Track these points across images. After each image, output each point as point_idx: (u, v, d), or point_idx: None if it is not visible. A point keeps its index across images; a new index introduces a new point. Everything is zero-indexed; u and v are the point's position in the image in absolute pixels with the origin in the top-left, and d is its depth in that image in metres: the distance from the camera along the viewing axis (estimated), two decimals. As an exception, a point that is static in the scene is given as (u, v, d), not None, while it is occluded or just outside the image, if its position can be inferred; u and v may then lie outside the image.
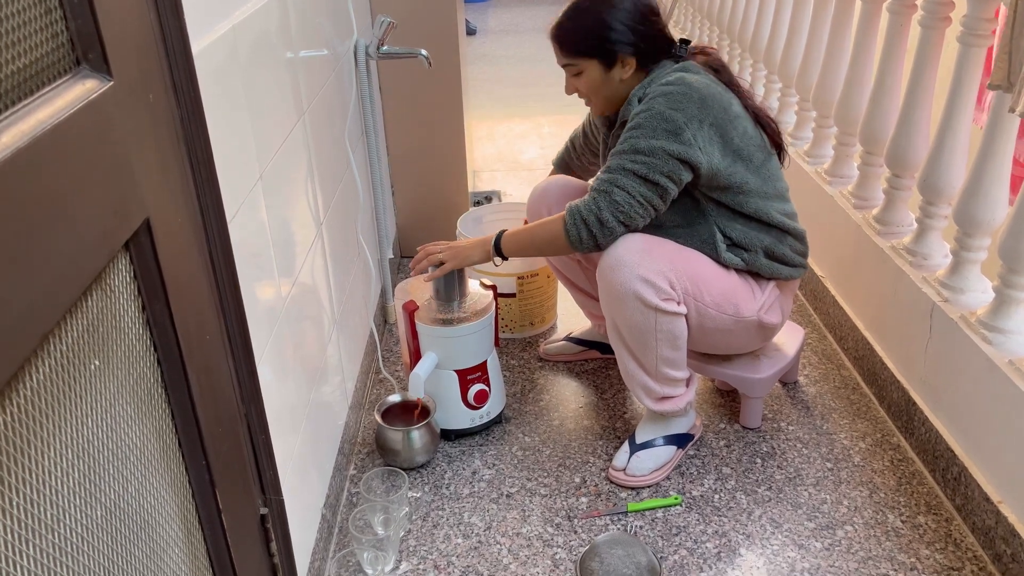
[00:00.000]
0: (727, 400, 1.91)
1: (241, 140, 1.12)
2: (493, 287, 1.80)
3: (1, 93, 0.61)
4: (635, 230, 1.54)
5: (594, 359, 2.08)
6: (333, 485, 1.58)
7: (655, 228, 1.58)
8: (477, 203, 3.05)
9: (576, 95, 1.67)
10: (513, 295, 2.12)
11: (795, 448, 1.75)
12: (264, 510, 1.17)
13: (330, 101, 1.70)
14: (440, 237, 2.60)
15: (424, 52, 2.03)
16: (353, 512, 1.49)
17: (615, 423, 1.85)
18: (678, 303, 1.52)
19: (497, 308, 1.82)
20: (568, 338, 2.09)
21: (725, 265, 1.60)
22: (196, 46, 0.95)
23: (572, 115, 4.34)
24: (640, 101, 1.56)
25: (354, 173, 1.84)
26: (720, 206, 1.58)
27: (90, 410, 0.71)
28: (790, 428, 1.81)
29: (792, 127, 2.57)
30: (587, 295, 1.99)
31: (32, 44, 0.66)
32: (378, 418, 1.70)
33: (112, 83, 0.75)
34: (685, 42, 1.62)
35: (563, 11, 1.61)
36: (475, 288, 1.80)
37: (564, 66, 1.63)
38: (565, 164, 2.02)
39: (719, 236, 1.58)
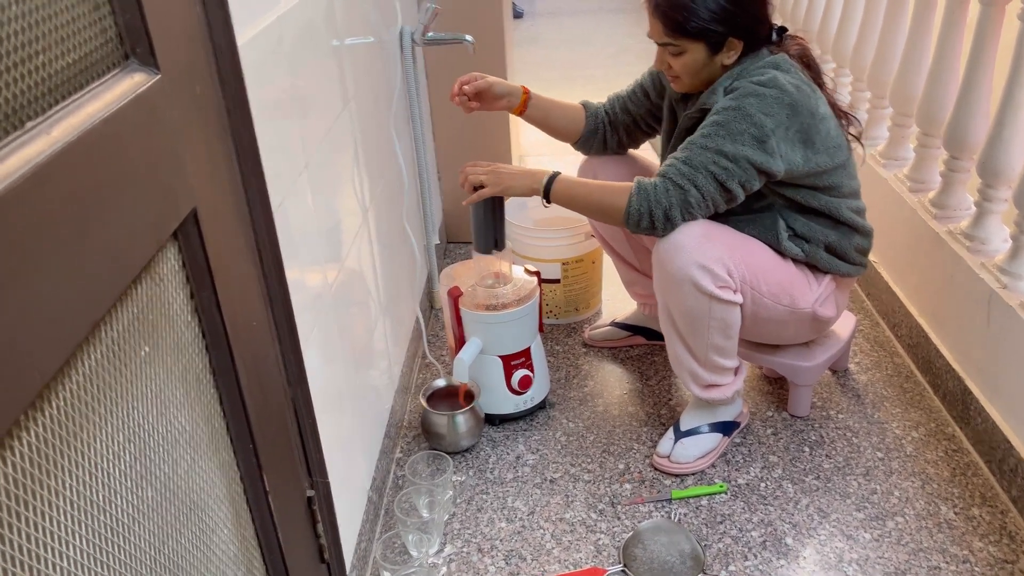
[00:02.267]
0: (775, 387, 1.88)
1: (287, 129, 1.14)
2: (537, 273, 1.80)
3: (53, 88, 0.63)
4: None
5: (639, 345, 2.07)
6: (379, 467, 1.60)
7: (716, 214, 1.55)
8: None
9: (659, 68, 1.58)
10: (558, 281, 2.12)
11: (844, 437, 1.72)
12: (311, 492, 1.19)
13: (376, 88, 1.71)
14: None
15: (469, 38, 2.03)
16: (399, 495, 1.51)
17: (660, 410, 1.84)
18: (734, 291, 1.50)
19: (541, 294, 1.82)
20: (613, 323, 2.08)
21: (783, 254, 1.57)
22: (241, 37, 0.96)
23: (620, 98, 4.33)
24: (726, 92, 1.50)
25: (399, 160, 1.86)
26: (788, 200, 1.55)
27: (140, 395, 0.74)
28: (840, 417, 1.78)
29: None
30: (634, 270, 1.97)
31: (82, 39, 0.68)
32: (423, 402, 1.71)
33: (159, 76, 0.76)
34: (782, 29, 1.57)
35: None
36: (519, 274, 1.81)
37: (663, 44, 1.52)
38: (593, 106, 1.87)
39: (782, 225, 1.56)
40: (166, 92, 0.77)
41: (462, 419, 1.69)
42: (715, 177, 1.45)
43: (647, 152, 1.93)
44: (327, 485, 1.22)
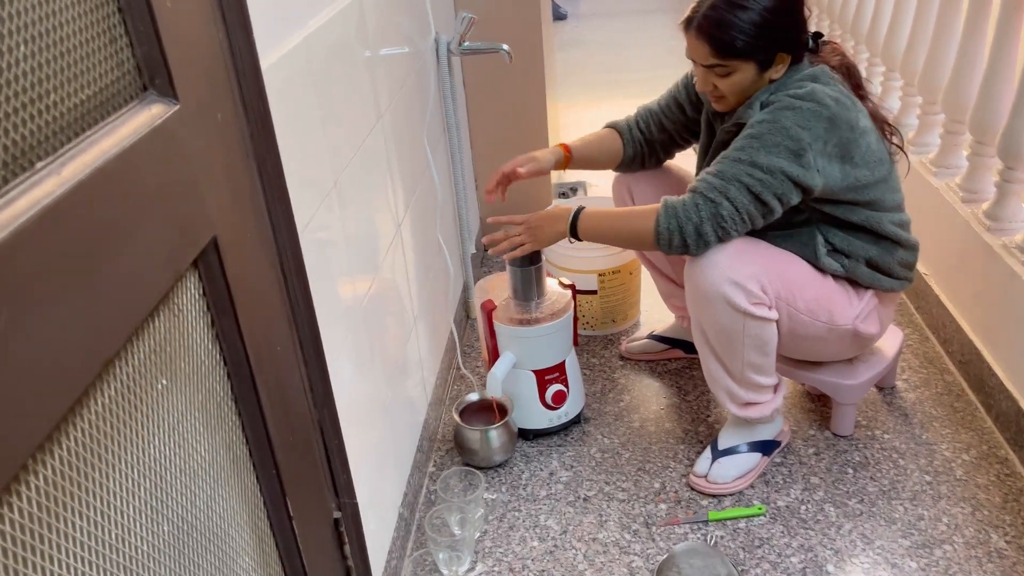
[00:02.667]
0: (817, 405, 1.83)
1: (314, 150, 1.13)
2: (572, 286, 1.78)
3: (65, 125, 0.63)
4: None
5: (677, 358, 2.03)
6: (411, 482, 1.60)
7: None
8: (562, 195, 3.02)
9: (703, 90, 1.51)
10: (594, 292, 2.09)
11: (890, 459, 1.66)
12: (337, 514, 1.18)
13: (409, 101, 1.70)
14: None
15: (505, 47, 2.01)
16: (430, 512, 1.50)
17: (698, 427, 1.80)
18: (769, 307, 1.46)
19: (576, 307, 1.79)
20: (651, 336, 2.04)
21: (822, 270, 1.52)
22: (266, 61, 0.95)
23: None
24: (763, 107, 1.45)
25: (433, 172, 1.85)
26: (826, 215, 1.50)
27: (157, 429, 0.73)
28: (885, 437, 1.72)
29: (895, 112, 2.42)
30: (672, 282, 1.93)
31: (97, 74, 0.67)
32: (456, 417, 1.70)
33: (178, 107, 0.76)
34: (817, 35, 1.52)
35: (712, 2, 1.41)
36: (553, 287, 1.78)
37: (711, 66, 1.45)
38: (625, 126, 1.82)
39: (820, 240, 1.51)
40: (185, 122, 0.77)
41: (495, 434, 1.68)
42: (749, 189, 1.40)
43: (682, 160, 1.88)
44: (355, 506, 1.22)
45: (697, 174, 1.69)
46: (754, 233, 1.49)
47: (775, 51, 1.42)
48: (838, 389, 1.67)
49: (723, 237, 1.43)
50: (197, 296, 0.82)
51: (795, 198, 1.42)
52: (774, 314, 1.46)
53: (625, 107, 3.91)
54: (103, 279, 0.63)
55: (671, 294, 1.96)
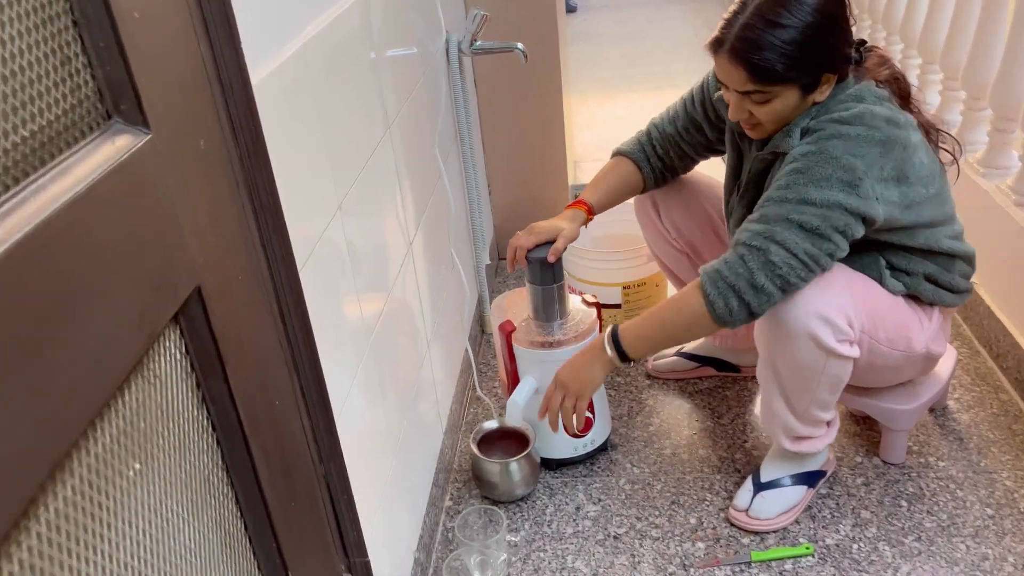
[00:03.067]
0: (863, 428, 1.69)
1: (314, 171, 1.01)
2: (596, 304, 1.65)
3: (8, 167, 0.51)
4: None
5: (708, 376, 1.90)
6: (427, 522, 1.47)
7: None
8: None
9: (737, 118, 1.34)
10: (618, 306, 1.96)
11: (947, 489, 1.52)
12: (347, 575, 1.07)
13: (419, 107, 1.58)
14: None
15: (520, 46, 1.88)
16: (448, 558, 1.38)
17: (734, 453, 1.67)
18: (852, 344, 1.32)
19: (601, 325, 1.66)
20: (680, 353, 1.91)
21: (890, 291, 1.39)
22: (257, 76, 0.83)
23: (675, 97, 4.10)
24: (804, 134, 1.30)
25: (445, 183, 1.72)
26: (886, 244, 1.37)
27: (128, 526, 0.61)
28: (940, 464, 1.58)
29: (934, 109, 2.28)
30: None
31: (49, 102, 0.55)
32: (474, 449, 1.58)
33: (150, 136, 0.63)
34: (860, 43, 1.35)
35: (744, 20, 1.23)
36: (577, 305, 1.65)
37: (748, 93, 1.28)
38: (640, 152, 1.62)
39: (882, 263, 1.37)
40: (159, 153, 0.65)
41: (516, 467, 1.55)
42: (802, 226, 1.23)
43: (706, 166, 1.73)
44: (366, 564, 1.10)
45: (726, 202, 1.54)
46: None
47: (820, 72, 1.26)
48: (893, 415, 1.54)
49: (786, 288, 1.26)
50: (178, 357, 0.70)
51: (860, 230, 1.26)
52: (857, 351, 1.33)
53: (640, 106, 3.79)
54: (55, 356, 0.51)
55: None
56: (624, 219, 1.95)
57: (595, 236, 2.05)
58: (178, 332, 0.70)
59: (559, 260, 1.55)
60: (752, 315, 1.28)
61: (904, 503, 1.50)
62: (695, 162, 1.65)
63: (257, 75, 0.83)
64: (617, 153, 1.67)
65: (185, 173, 0.69)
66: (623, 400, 1.86)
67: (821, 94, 1.29)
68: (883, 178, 1.25)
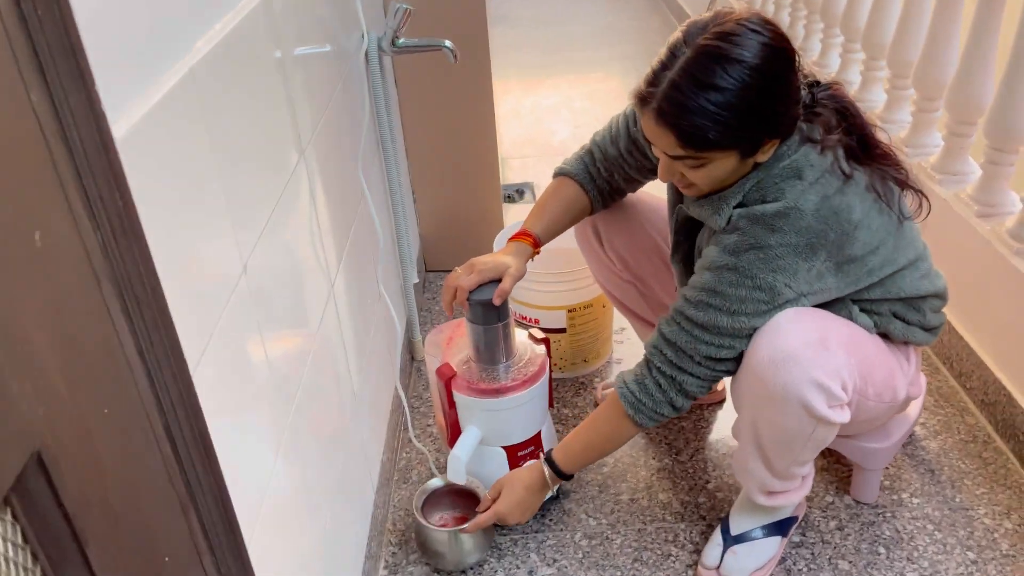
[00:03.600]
0: (829, 463, 1.58)
1: (211, 232, 0.79)
2: (546, 340, 1.47)
3: None
4: None
5: (662, 405, 1.75)
6: (361, 604, 1.28)
7: None
8: (508, 197, 2.71)
9: (667, 180, 1.22)
10: (563, 330, 1.79)
11: (925, 531, 1.42)
12: None
13: (338, 120, 1.35)
14: (471, 244, 2.26)
15: (448, 44, 1.67)
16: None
17: (697, 497, 1.53)
18: (843, 407, 1.18)
19: (551, 366, 1.49)
20: (631, 381, 1.76)
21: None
22: (123, 125, 0.61)
23: (604, 86, 3.96)
24: (731, 219, 1.15)
25: (369, 205, 1.50)
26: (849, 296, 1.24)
27: None
28: (914, 502, 1.48)
29: (881, 107, 2.18)
30: (649, 325, 1.65)
31: None
32: (419, 517, 1.38)
33: (-58, 250, 0.41)
34: (814, 84, 1.18)
35: (672, 77, 1.06)
36: (524, 341, 1.47)
37: (680, 158, 1.12)
38: (585, 174, 1.44)
39: (851, 304, 1.24)
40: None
41: (467, 534, 1.36)
42: (711, 357, 1.20)
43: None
44: None
45: (671, 232, 1.38)
46: None
47: (760, 137, 1.09)
48: (867, 455, 1.42)
49: (699, 394, 1.25)
50: (10, 553, 0.48)
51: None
52: (848, 415, 1.18)
53: (567, 95, 3.61)
54: None
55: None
56: (568, 234, 1.77)
57: (538, 260, 1.87)
58: (10, 516, 0.48)
59: (508, 312, 1.36)
60: (679, 413, 1.28)
61: (882, 549, 1.39)
62: (642, 184, 1.48)
63: (123, 125, 0.61)
64: (560, 173, 1.47)
65: (8, 287, 0.47)
66: (572, 437, 1.69)
67: (764, 155, 1.13)
68: (810, 278, 1.14)
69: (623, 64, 3.98)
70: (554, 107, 3.45)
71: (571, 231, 1.59)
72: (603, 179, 1.44)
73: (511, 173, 2.85)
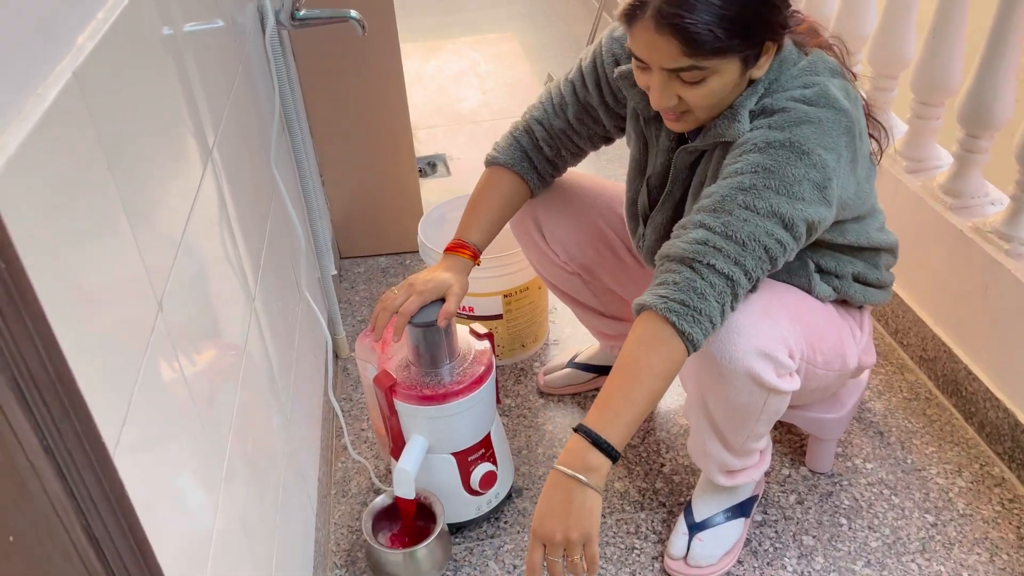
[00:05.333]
0: (782, 434, 1.55)
1: (119, 270, 0.64)
2: (489, 335, 1.37)
3: None
4: None
5: (607, 387, 1.69)
6: (312, 640, 1.17)
7: None
8: (420, 171, 2.57)
9: (661, 106, 1.08)
10: (499, 316, 1.69)
11: (882, 496, 1.41)
12: None
13: (242, 112, 1.19)
14: (388, 225, 2.13)
15: (355, 14, 1.52)
16: None
17: (655, 483, 1.47)
18: (792, 375, 1.14)
19: (495, 362, 1.39)
20: (573, 364, 1.68)
21: (819, 299, 1.22)
22: (2, 152, 0.47)
23: (507, 47, 3.81)
24: (755, 116, 1.06)
25: (284, 201, 1.35)
26: (816, 241, 1.17)
27: None
28: (868, 467, 1.47)
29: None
30: (596, 313, 1.58)
31: None
32: (371, 540, 1.27)
33: None
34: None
35: None
36: (466, 338, 1.37)
37: (678, 71, 1.02)
38: (522, 159, 1.32)
39: (811, 265, 1.19)
40: None
41: (425, 552, 1.26)
42: (768, 252, 1.02)
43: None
44: None
45: (632, 202, 1.29)
46: None
47: (763, 39, 1.02)
48: (822, 426, 1.39)
49: (735, 308, 1.06)
50: None
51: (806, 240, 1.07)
52: (797, 383, 1.14)
53: (471, 60, 3.46)
54: None
55: (593, 323, 1.60)
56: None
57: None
58: None
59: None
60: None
61: (844, 520, 1.38)
62: (586, 155, 1.38)
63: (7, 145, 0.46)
64: (492, 163, 1.34)
65: None
66: (518, 429, 1.61)
67: (759, 69, 1.06)
68: (844, 172, 1.06)
69: (522, 23, 3.86)
70: (458, 73, 3.30)
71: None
72: (545, 160, 1.33)
73: (421, 145, 2.70)
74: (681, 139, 1.20)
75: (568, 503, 0.98)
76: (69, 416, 0.50)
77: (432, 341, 1.26)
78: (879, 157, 1.20)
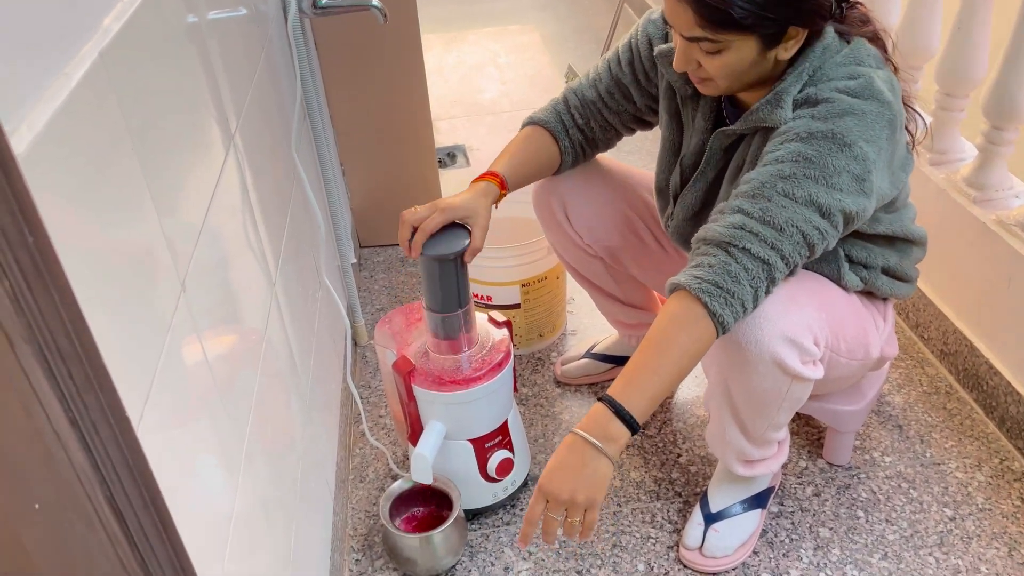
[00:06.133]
0: (800, 425, 1.55)
1: (144, 250, 0.65)
2: (507, 323, 1.37)
3: None
4: None
5: (624, 377, 1.69)
6: (329, 623, 1.18)
7: None
8: (440, 162, 2.58)
9: (683, 69, 1.10)
10: (517, 306, 1.70)
11: (900, 490, 1.41)
12: None
13: (265, 98, 1.21)
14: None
15: (376, 2, 1.53)
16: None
17: (671, 473, 1.47)
18: (816, 363, 1.13)
19: (513, 350, 1.40)
20: (590, 354, 1.69)
21: (845, 288, 1.21)
22: (28, 131, 0.48)
23: (527, 38, 3.81)
24: (798, 104, 1.06)
25: (305, 188, 1.36)
26: (854, 231, 1.18)
27: None
28: (887, 460, 1.46)
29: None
30: (615, 300, 1.58)
31: None
32: (388, 525, 1.28)
33: None
34: None
35: None
36: (484, 325, 1.37)
37: (697, 39, 1.04)
38: (556, 120, 1.34)
39: (842, 255, 1.19)
40: None
41: (441, 537, 1.27)
42: (806, 239, 1.02)
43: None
44: None
45: (663, 184, 1.30)
46: None
47: (786, 23, 1.02)
48: (840, 418, 1.39)
49: (769, 294, 1.06)
50: None
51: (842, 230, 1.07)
52: (821, 371, 1.14)
53: (491, 50, 3.46)
54: None
55: (613, 311, 1.60)
56: (518, 200, 1.67)
57: (489, 234, 1.76)
58: None
59: (465, 269, 1.24)
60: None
61: (861, 512, 1.37)
62: (619, 137, 1.38)
63: (25, 136, 0.47)
64: (530, 122, 1.35)
65: None
66: (535, 418, 1.61)
67: (786, 51, 1.06)
68: (882, 166, 1.06)
69: (543, 14, 3.85)
70: (479, 64, 3.30)
71: (531, 207, 1.49)
72: (576, 128, 1.35)
73: (441, 136, 2.71)
74: (718, 121, 1.20)
75: (581, 466, 0.99)
76: (93, 388, 0.51)
77: (446, 276, 1.22)
78: (913, 147, 1.19)
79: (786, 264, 1.03)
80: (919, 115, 1.19)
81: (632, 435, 1.00)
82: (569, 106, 1.34)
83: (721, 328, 1.01)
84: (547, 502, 1.00)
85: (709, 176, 1.22)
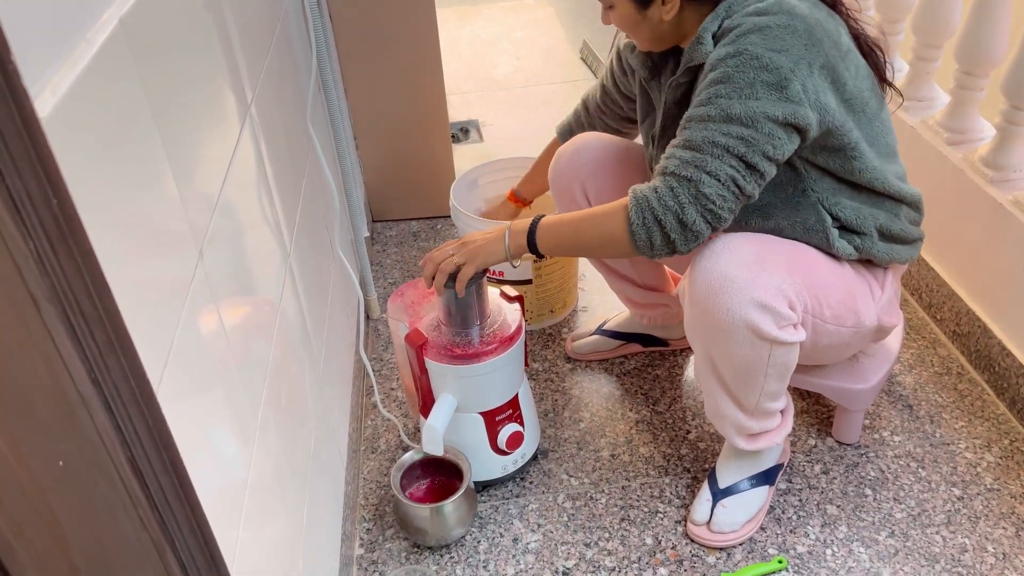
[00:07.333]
0: (809, 403, 1.55)
1: (162, 216, 0.66)
2: (519, 297, 1.38)
3: None
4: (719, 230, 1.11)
5: (635, 354, 1.70)
6: (341, 588, 1.20)
7: (747, 213, 1.18)
8: (453, 137, 2.57)
9: (605, 24, 1.24)
10: (529, 282, 1.70)
11: (909, 469, 1.41)
12: None
13: (280, 68, 1.21)
14: (420, 188, 2.15)
15: (392, -26, 1.52)
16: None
17: (679, 448, 1.48)
18: (796, 327, 1.14)
19: (525, 324, 1.40)
20: (601, 331, 1.69)
21: (837, 257, 1.21)
22: (51, 95, 0.48)
23: (542, 13, 3.78)
24: (718, 39, 1.10)
25: (320, 160, 1.37)
26: (826, 175, 1.17)
27: None
28: (896, 440, 1.47)
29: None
30: (627, 281, 1.58)
31: None
32: (399, 494, 1.30)
33: None
34: None
35: None
36: (496, 300, 1.38)
37: None
38: (566, 130, 1.58)
39: (827, 219, 1.18)
40: None
41: (451, 507, 1.29)
42: (729, 151, 1.05)
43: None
44: None
45: (650, 158, 1.33)
46: (752, 226, 1.17)
47: None
48: (847, 396, 1.39)
49: (714, 222, 1.08)
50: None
51: (791, 145, 1.07)
52: (803, 334, 1.15)
53: (507, 25, 3.44)
54: None
55: (625, 290, 1.60)
56: (521, 176, 1.67)
57: (493, 200, 1.77)
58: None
59: (484, 275, 1.30)
60: (674, 251, 1.10)
61: (869, 491, 1.38)
62: (634, 128, 1.46)
63: (48, 100, 0.48)
64: (557, 131, 1.61)
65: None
66: (545, 393, 1.62)
67: (666, 11, 1.14)
68: (812, 75, 1.06)
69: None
70: (493, 39, 3.28)
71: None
72: (591, 128, 1.53)
73: (454, 111, 2.70)
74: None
75: (487, 241, 1.22)
76: (115, 350, 0.52)
77: (464, 301, 1.27)
78: (883, 86, 1.19)
79: (713, 177, 1.06)
80: (879, 50, 1.18)
81: (532, 256, 1.23)
82: (579, 114, 1.56)
83: (631, 233, 1.10)
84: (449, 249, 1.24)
85: (671, 134, 1.23)
